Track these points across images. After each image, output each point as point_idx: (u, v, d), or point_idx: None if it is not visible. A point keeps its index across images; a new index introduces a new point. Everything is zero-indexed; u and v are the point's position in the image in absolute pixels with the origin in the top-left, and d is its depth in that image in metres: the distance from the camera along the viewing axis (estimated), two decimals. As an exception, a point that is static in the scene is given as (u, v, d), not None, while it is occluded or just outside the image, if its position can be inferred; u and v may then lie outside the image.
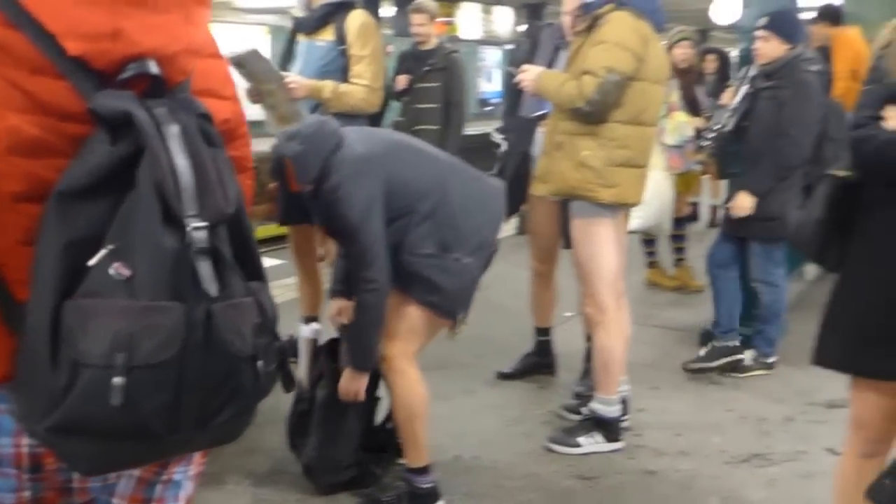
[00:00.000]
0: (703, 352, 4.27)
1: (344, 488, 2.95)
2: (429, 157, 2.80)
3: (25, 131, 1.08)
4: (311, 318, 3.85)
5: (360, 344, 2.68)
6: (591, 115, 3.18)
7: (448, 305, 2.70)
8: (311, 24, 3.76)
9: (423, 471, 2.83)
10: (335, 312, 2.92)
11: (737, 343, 4.22)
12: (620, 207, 3.36)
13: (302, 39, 3.81)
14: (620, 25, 3.16)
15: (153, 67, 1.13)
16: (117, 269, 1.05)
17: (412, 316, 2.70)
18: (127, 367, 1.04)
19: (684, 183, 5.39)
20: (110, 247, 1.06)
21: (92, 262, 1.06)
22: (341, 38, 3.70)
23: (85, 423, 1.05)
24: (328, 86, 3.64)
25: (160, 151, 1.08)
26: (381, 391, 2.93)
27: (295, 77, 3.62)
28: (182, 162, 1.09)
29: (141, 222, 1.07)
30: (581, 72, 3.16)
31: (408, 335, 2.72)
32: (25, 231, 1.10)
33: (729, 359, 4.19)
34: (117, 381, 1.03)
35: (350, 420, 2.90)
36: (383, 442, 3.02)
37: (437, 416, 2.88)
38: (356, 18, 3.69)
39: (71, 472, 1.23)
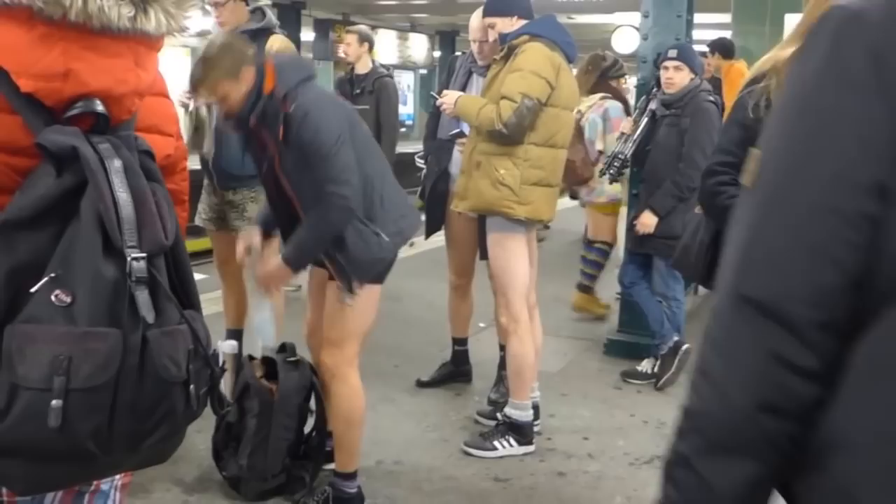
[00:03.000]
0: (651, 366, 4.26)
1: (272, 495, 2.90)
2: (375, 144, 2.86)
3: None
4: (235, 331, 3.77)
5: (302, 248, 2.58)
6: (508, 137, 3.23)
7: (351, 269, 2.59)
8: None
9: (351, 476, 2.81)
10: (243, 248, 2.75)
11: (675, 338, 4.21)
12: (533, 223, 3.41)
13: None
14: (535, 55, 3.23)
15: (99, 106, 1.13)
16: (58, 296, 1.04)
17: (341, 313, 2.66)
18: (65, 389, 1.01)
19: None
20: (52, 274, 1.06)
21: (34, 289, 1.03)
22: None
23: (22, 444, 1.03)
24: None
25: (103, 185, 1.07)
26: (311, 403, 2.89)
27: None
28: (123, 195, 1.09)
29: (82, 251, 1.06)
30: (499, 97, 3.21)
31: (343, 337, 2.69)
32: None
33: (678, 357, 4.16)
34: (55, 403, 1.01)
35: (280, 430, 2.84)
36: (312, 449, 2.97)
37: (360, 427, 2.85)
38: (275, 42, 3.64)
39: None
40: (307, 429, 3.01)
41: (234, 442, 2.90)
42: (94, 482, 1.28)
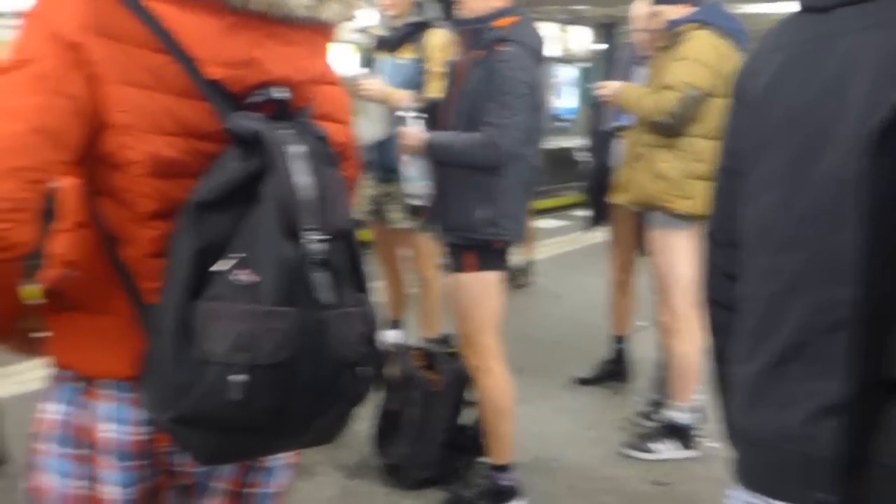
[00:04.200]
0: None
1: (429, 484, 2.95)
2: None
3: (164, 154, 1.12)
4: (395, 321, 3.87)
5: (446, 142, 2.69)
6: (671, 129, 3.14)
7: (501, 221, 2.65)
8: (393, 42, 3.79)
9: (505, 468, 2.82)
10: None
11: None
12: (696, 219, 3.30)
13: (383, 57, 3.83)
14: (702, 43, 3.12)
15: (281, 93, 1.17)
16: (242, 276, 1.07)
17: (467, 307, 2.68)
18: (247, 365, 1.05)
19: None
20: (237, 255, 1.09)
21: (219, 268, 1.08)
22: (422, 56, 3.72)
23: (206, 416, 1.07)
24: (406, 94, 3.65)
25: (286, 169, 1.10)
26: (469, 395, 2.92)
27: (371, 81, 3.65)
28: (305, 179, 1.12)
29: (265, 233, 1.09)
30: (662, 86, 3.13)
31: (475, 330, 2.71)
32: (155, 244, 1.14)
33: None
34: (238, 378, 1.05)
35: (439, 421, 2.90)
36: (468, 441, 3.01)
37: (516, 418, 2.86)
38: (436, 37, 3.70)
39: (176, 456, 1.25)
40: (463, 420, 3.05)
41: (394, 430, 2.98)
42: (264, 459, 1.33)
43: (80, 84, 1.07)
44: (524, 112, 2.58)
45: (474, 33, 2.67)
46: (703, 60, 3.10)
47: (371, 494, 2.96)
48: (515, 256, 2.92)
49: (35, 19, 1.09)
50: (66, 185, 1.08)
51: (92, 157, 1.10)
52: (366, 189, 3.74)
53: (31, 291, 1.15)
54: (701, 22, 3.16)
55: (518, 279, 5.65)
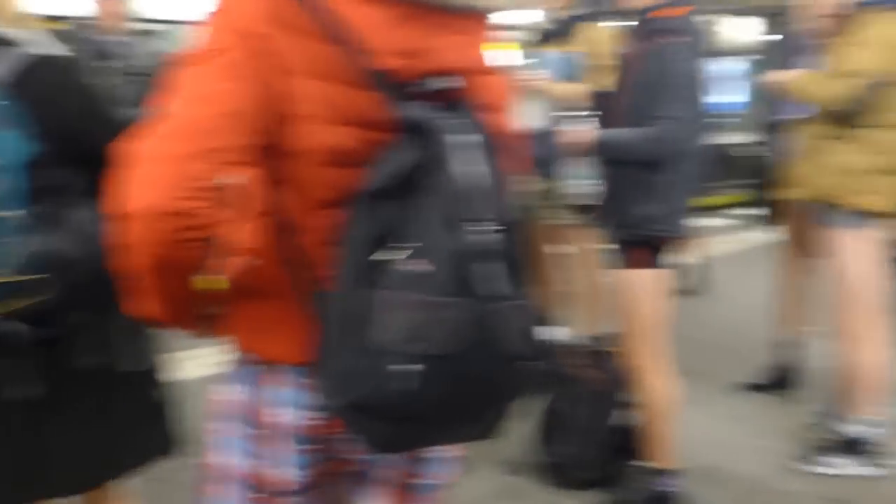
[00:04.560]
0: None
1: (591, 485, 2.89)
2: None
3: (339, 144, 1.15)
4: (553, 319, 3.82)
5: (615, 138, 2.61)
6: (849, 119, 2.93)
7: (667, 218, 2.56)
8: (556, 36, 3.74)
9: (667, 473, 2.72)
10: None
11: None
12: (878, 217, 3.06)
13: (547, 50, 3.80)
14: (886, 28, 2.89)
15: (449, 83, 1.17)
16: (414, 266, 1.08)
17: (631, 305, 2.60)
18: (419, 355, 1.06)
19: None
20: (409, 244, 1.09)
21: (391, 257, 1.09)
22: (587, 49, 3.66)
23: (378, 404, 1.08)
24: (573, 87, 3.59)
25: (454, 159, 1.10)
26: (626, 396, 2.84)
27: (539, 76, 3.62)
28: (474, 169, 1.11)
29: (436, 223, 1.09)
30: (844, 73, 2.92)
31: (639, 328, 2.64)
32: (328, 233, 1.16)
33: None
34: (410, 368, 1.05)
35: (602, 421, 2.84)
36: (629, 443, 2.93)
37: (679, 422, 2.75)
38: (602, 29, 3.64)
39: (348, 443, 1.28)
40: (626, 422, 2.97)
41: (556, 428, 2.94)
42: (430, 450, 1.34)
43: (264, 72, 1.10)
44: (692, 106, 2.48)
45: (641, 25, 2.60)
46: (887, 46, 2.87)
47: (531, 492, 2.93)
48: (682, 256, 2.81)
49: (222, 14, 1.14)
50: (247, 174, 1.12)
51: (271, 147, 1.14)
52: (526, 185, 3.72)
53: (215, 279, 1.20)
54: (886, 4, 2.93)
55: (686, 280, 5.48)
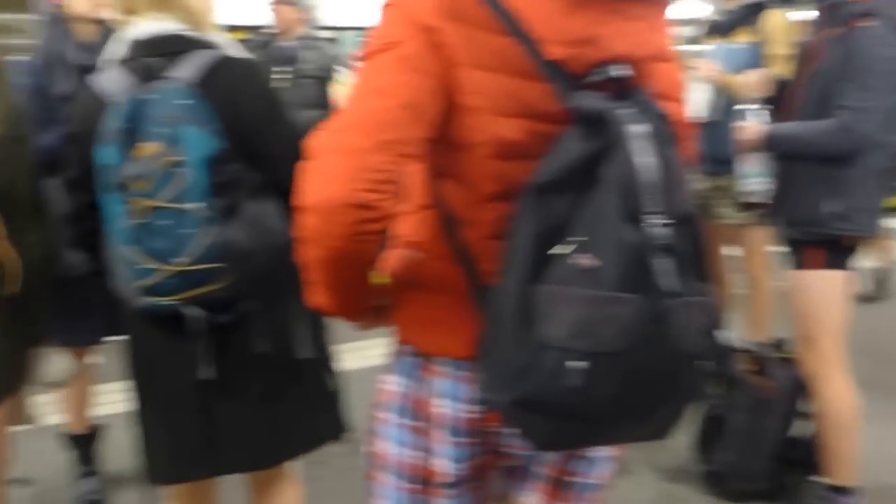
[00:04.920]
0: None
1: (753, 497, 2.74)
2: None
3: (507, 136, 1.12)
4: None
5: (789, 132, 2.47)
6: None
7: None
8: (726, 27, 3.57)
9: (845, 491, 2.53)
10: None
11: None
12: None
13: (716, 42, 3.63)
14: None
15: (622, 71, 1.13)
16: (583, 260, 1.04)
17: (808, 307, 2.43)
18: (587, 352, 1.02)
19: None
20: (577, 238, 1.06)
21: (559, 252, 1.06)
22: (760, 39, 3.46)
23: (543, 401, 1.06)
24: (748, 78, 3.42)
25: (628, 149, 1.06)
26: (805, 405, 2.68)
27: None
28: (648, 161, 1.06)
29: (606, 216, 1.05)
30: None
31: (816, 334, 2.46)
32: (496, 226, 1.14)
33: None
34: (577, 364, 1.02)
35: (768, 431, 2.69)
36: (801, 456, 2.76)
37: (859, 436, 2.55)
38: (776, 17, 3.44)
39: (506, 437, 1.26)
40: (797, 433, 2.80)
41: (717, 436, 2.81)
42: (588, 449, 1.30)
43: (437, 64, 1.10)
44: (886, 94, 2.28)
45: (831, 9, 2.42)
46: None
47: (690, 500, 2.82)
48: (863, 258, 2.60)
49: (395, 8, 1.15)
50: (412, 167, 1.12)
51: (439, 139, 1.13)
52: (693, 182, 3.57)
53: (382, 272, 1.22)
54: None
55: (872, 286, 5.13)
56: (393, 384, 1.30)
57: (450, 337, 1.21)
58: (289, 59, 4.26)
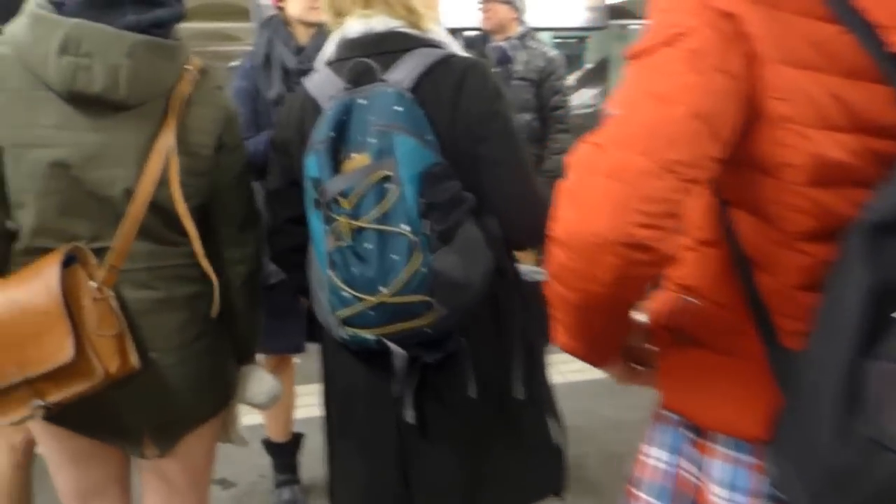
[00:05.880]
0: None
1: None
2: None
3: (831, 156, 0.86)
4: None
5: None
6: None
7: None
8: None
9: None
10: None
11: None
12: None
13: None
14: None
15: None
16: None
17: None
18: None
19: None
20: None
21: None
22: None
23: None
24: None
25: None
26: None
27: None
28: None
29: None
30: None
31: None
32: (807, 273, 0.88)
33: None
34: None
35: None
36: None
37: None
38: None
39: None
40: None
41: None
42: None
43: (738, 62, 0.85)
44: None
45: None
46: None
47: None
48: None
49: None
50: (705, 193, 0.87)
51: (734, 159, 0.87)
52: None
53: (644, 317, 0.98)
54: None
55: None
56: (653, 458, 1.06)
57: (733, 410, 0.96)
58: (502, 60, 4.04)
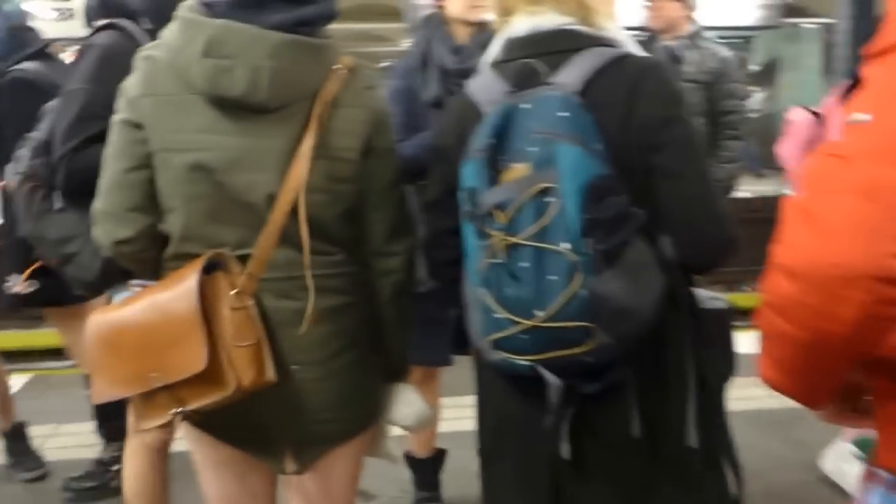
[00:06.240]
0: None
1: None
2: None
3: None
4: None
5: None
6: None
7: None
8: None
9: None
10: None
11: None
12: None
13: None
14: None
15: None
16: None
17: None
18: None
19: None
20: None
21: None
22: None
23: None
24: None
25: None
26: None
27: None
28: None
29: None
30: None
31: None
32: None
33: None
34: None
35: None
36: None
37: None
38: None
39: None
40: None
41: None
42: None
43: None
44: None
45: None
46: None
47: None
48: None
49: None
50: None
51: None
52: None
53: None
54: None
55: None
56: None
57: None
58: (673, 60, 3.78)
